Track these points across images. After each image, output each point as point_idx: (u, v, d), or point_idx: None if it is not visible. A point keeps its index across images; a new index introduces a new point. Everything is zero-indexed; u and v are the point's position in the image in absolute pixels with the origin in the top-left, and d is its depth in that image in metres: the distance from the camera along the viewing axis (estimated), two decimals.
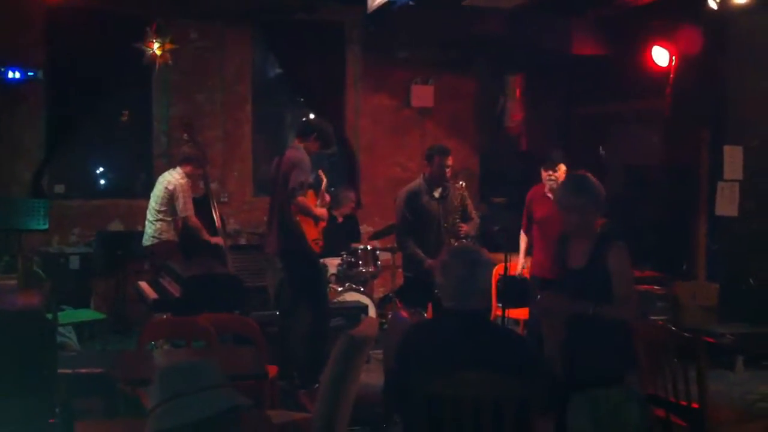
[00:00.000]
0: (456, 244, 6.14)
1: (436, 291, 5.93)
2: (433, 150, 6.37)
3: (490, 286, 3.34)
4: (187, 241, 6.83)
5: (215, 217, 6.98)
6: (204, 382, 2.21)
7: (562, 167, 6.46)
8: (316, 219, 6.14)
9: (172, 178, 6.87)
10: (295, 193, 5.89)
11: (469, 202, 6.48)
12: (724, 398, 5.78)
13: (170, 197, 6.80)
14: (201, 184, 7.18)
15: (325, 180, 6.39)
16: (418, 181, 6.38)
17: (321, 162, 7.98)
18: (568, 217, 3.85)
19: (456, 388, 3.03)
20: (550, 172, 6.42)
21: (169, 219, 6.84)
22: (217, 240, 6.84)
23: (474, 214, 6.55)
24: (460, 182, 6.35)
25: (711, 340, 6.43)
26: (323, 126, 6.32)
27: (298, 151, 6.08)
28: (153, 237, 6.87)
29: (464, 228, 6.25)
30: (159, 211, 6.85)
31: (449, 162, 6.29)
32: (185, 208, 6.78)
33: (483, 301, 3.29)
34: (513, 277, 6.70)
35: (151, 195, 6.99)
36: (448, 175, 6.31)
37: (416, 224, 6.27)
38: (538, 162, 6.88)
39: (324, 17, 9.02)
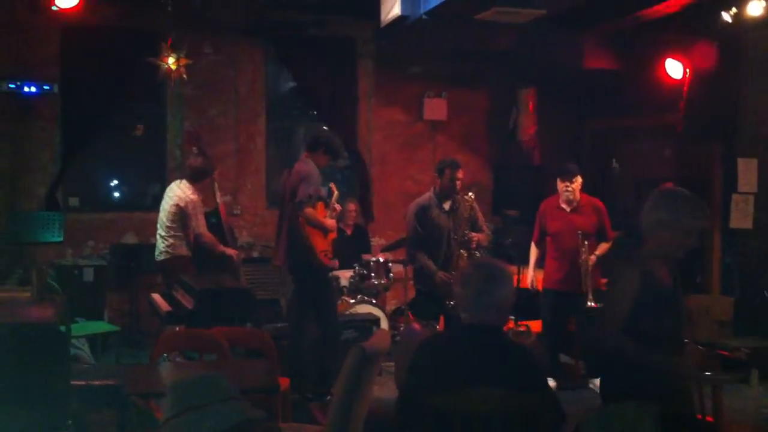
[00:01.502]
0: (465, 254, 6.15)
1: (449, 303, 5.96)
2: (444, 163, 6.41)
3: (509, 303, 3.27)
4: (199, 255, 6.80)
5: (224, 229, 6.97)
6: (216, 396, 2.21)
7: (579, 179, 6.48)
8: (325, 230, 6.15)
9: (182, 194, 6.73)
10: (302, 205, 5.92)
11: (479, 214, 6.49)
12: (738, 412, 5.73)
13: (182, 214, 6.67)
14: (211, 195, 7.12)
15: (336, 192, 6.41)
16: (428, 195, 6.40)
17: (333, 175, 8.00)
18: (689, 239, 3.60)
19: (466, 403, 3.02)
20: (567, 184, 6.43)
21: (181, 234, 6.72)
22: (231, 252, 6.83)
23: (485, 226, 6.55)
24: (470, 194, 6.35)
25: (726, 353, 6.40)
26: (331, 139, 6.37)
27: (306, 164, 6.12)
28: (165, 252, 6.77)
29: (475, 237, 6.24)
30: (170, 227, 6.73)
31: (460, 175, 6.31)
32: (198, 225, 6.68)
33: (499, 316, 3.25)
34: (525, 290, 6.69)
35: (161, 209, 6.87)
36: (458, 188, 6.32)
37: (427, 237, 6.29)
38: (550, 175, 6.89)
39: (336, 32, 9.07)
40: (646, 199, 3.67)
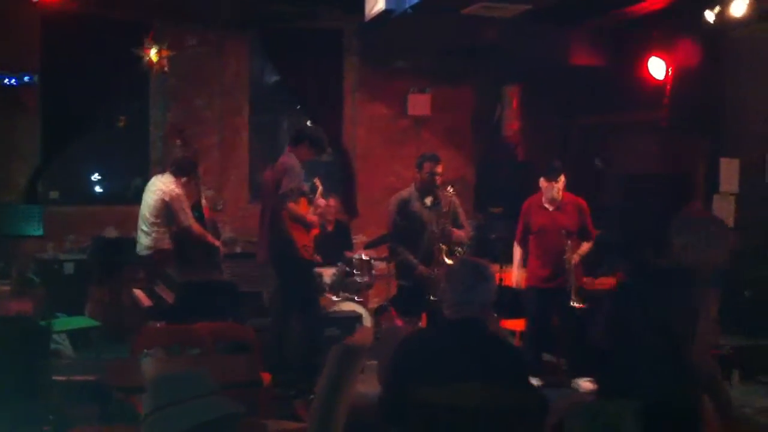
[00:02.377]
0: (445, 249, 6.14)
1: (433, 298, 5.93)
2: (423, 158, 6.44)
3: (491, 300, 3.38)
4: (181, 248, 6.75)
5: (206, 223, 6.92)
6: (196, 391, 2.20)
7: (562, 178, 6.48)
8: (307, 226, 6.12)
9: (166, 188, 6.65)
10: (285, 199, 5.89)
11: (460, 209, 6.48)
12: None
13: (167, 208, 6.60)
14: (194, 189, 7.06)
15: (320, 188, 6.38)
16: (409, 189, 6.43)
17: (317, 170, 7.97)
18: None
19: (450, 398, 3.04)
20: (552, 183, 6.44)
21: (165, 228, 6.66)
22: (218, 243, 6.79)
23: (466, 222, 6.54)
24: (450, 188, 6.33)
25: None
26: (315, 133, 6.35)
27: (289, 158, 6.11)
28: (149, 247, 6.69)
29: (456, 232, 6.24)
30: (154, 222, 6.65)
31: (439, 169, 6.33)
32: (186, 218, 6.62)
33: (482, 312, 3.33)
34: (507, 288, 6.69)
35: (143, 203, 6.78)
36: (438, 182, 6.31)
37: (408, 231, 6.31)
38: (534, 172, 6.88)
39: (322, 25, 9.03)
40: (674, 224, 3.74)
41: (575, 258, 6.40)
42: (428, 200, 6.34)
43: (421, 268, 6.19)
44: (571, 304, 6.26)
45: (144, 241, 6.72)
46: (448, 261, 6.05)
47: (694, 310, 3.58)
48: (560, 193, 6.49)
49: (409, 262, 6.24)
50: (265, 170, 6.40)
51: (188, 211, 6.67)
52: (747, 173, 7.54)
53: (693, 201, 4.28)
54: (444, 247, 6.17)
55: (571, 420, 3.39)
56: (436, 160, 6.35)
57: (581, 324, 6.45)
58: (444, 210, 6.28)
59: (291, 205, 5.94)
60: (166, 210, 6.60)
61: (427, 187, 6.33)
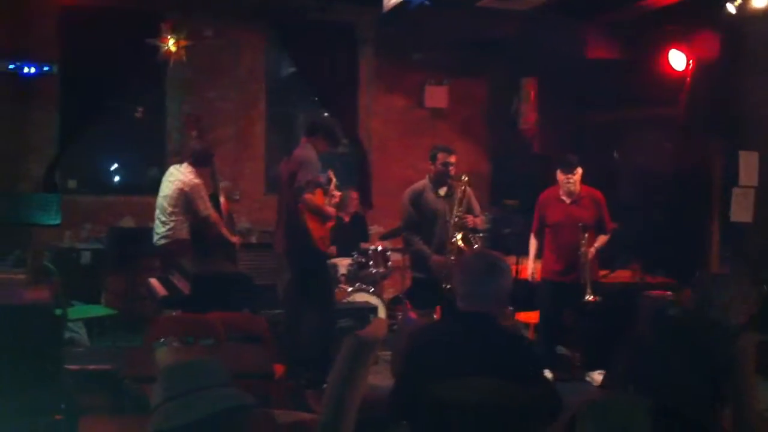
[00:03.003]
0: (461, 237, 6.09)
1: (446, 287, 5.89)
2: (436, 149, 6.38)
3: (506, 294, 3.30)
4: (198, 239, 6.77)
5: (222, 214, 6.95)
6: (208, 381, 2.20)
7: (579, 170, 6.45)
8: (324, 217, 6.13)
9: (185, 177, 6.67)
10: (301, 191, 5.90)
11: (473, 199, 6.43)
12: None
13: (185, 198, 6.61)
14: (211, 181, 7.10)
15: (334, 180, 6.38)
16: (423, 181, 6.39)
17: (333, 162, 7.97)
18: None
19: (462, 392, 3.01)
20: (569, 176, 6.41)
21: (182, 218, 6.66)
22: (235, 239, 6.82)
23: (479, 210, 6.50)
24: (463, 176, 6.29)
25: None
26: (329, 124, 6.34)
27: (305, 149, 6.10)
28: (166, 237, 6.69)
29: (470, 219, 6.21)
30: (172, 212, 6.65)
31: (452, 160, 6.27)
32: (206, 207, 6.64)
33: (496, 306, 3.28)
34: (523, 281, 6.67)
35: (160, 193, 6.81)
36: (452, 173, 6.29)
37: (422, 221, 6.27)
38: (550, 165, 6.85)
39: (338, 17, 9.01)
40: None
41: (591, 251, 6.37)
42: (442, 191, 6.31)
43: (435, 257, 6.16)
44: (587, 298, 6.23)
45: (161, 230, 6.73)
46: (462, 245, 6.02)
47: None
48: (577, 185, 6.46)
49: (422, 252, 6.22)
50: (281, 162, 6.40)
51: (207, 200, 6.68)
52: (766, 168, 7.47)
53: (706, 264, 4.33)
54: (460, 235, 6.14)
55: (582, 417, 3.38)
56: (449, 152, 6.32)
57: (595, 318, 6.43)
58: (459, 198, 6.25)
59: (308, 197, 5.94)
60: (185, 200, 6.61)
61: (441, 179, 6.30)
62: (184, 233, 6.69)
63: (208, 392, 2.17)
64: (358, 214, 8.55)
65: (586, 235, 6.35)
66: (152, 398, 2.20)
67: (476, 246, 6.10)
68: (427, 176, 6.41)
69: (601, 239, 6.52)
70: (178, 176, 6.73)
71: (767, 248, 7.37)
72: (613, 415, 3.30)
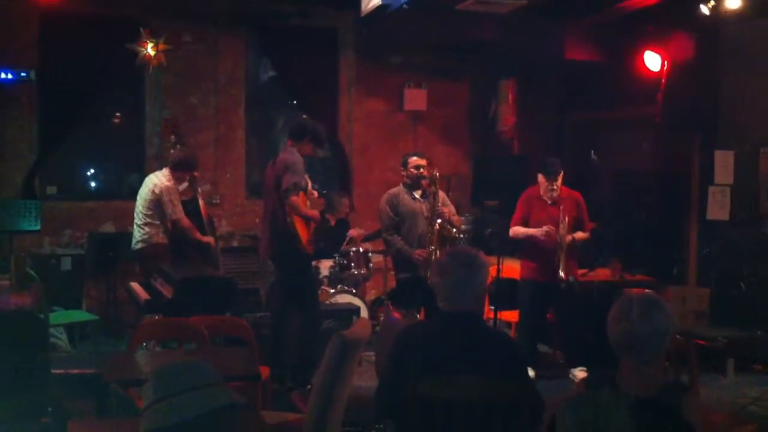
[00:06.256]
0: (438, 227, 6.29)
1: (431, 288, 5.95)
2: (407, 155, 6.74)
3: (484, 291, 3.32)
4: (176, 243, 6.77)
5: (203, 219, 6.95)
6: (199, 381, 2.20)
7: (560, 176, 6.51)
8: (308, 220, 6.16)
9: (158, 181, 6.72)
10: (288, 194, 5.91)
11: (446, 197, 6.70)
12: (715, 402, 5.80)
13: (157, 201, 6.65)
14: (189, 187, 7.06)
15: (309, 183, 6.39)
16: (398, 188, 6.67)
17: (314, 165, 7.99)
18: None
19: (446, 390, 3.03)
20: (553, 183, 6.45)
21: (157, 222, 6.70)
22: (208, 239, 6.81)
23: (453, 206, 6.70)
24: (435, 172, 6.52)
25: (702, 342, 6.47)
26: (316, 127, 6.36)
27: (291, 153, 6.11)
28: (142, 241, 6.73)
29: (446, 210, 6.42)
30: (146, 215, 6.70)
31: (423, 163, 6.58)
32: (175, 210, 6.67)
33: (477, 304, 3.28)
34: (505, 280, 6.72)
35: (138, 197, 6.84)
36: (425, 174, 6.53)
37: (401, 222, 6.50)
38: (530, 166, 6.91)
39: (318, 22, 9.03)
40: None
41: (569, 237, 6.41)
42: (417, 193, 6.57)
43: (418, 250, 6.34)
44: (560, 274, 6.29)
45: (138, 235, 6.78)
46: (444, 233, 6.31)
47: None
48: (559, 190, 6.51)
49: (404, 250, 6.40)
50: (267, 167, 6.40)
51: (177, 203, 6.70)
52: (741, 166, 7.57)
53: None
54: (437, 225, 6.33)
55: (562, 414, 3.41)
56: (419, 155, 6.66)
57: (576, 316, 6.49)
58: (432, 192, 6.46)
59: (294, 199, 5.96)
60: (157, 203, 6.66)
61: (415, 182, 6.56)
62: (160, 238, 6.72)
63: (198, 392, 2.17)
64: (344, 220, 8.57)
65: (567, 218, 6.40)
66: (143, 399, 2.20)
67: (457, 235, 6.30)
68: (401, 183, 6.65)
69: (580, 233, 6.57)
70: (153, 180, 6.79)
71: (743, 245, 7.48)
72: (594, 410, 3.33)
